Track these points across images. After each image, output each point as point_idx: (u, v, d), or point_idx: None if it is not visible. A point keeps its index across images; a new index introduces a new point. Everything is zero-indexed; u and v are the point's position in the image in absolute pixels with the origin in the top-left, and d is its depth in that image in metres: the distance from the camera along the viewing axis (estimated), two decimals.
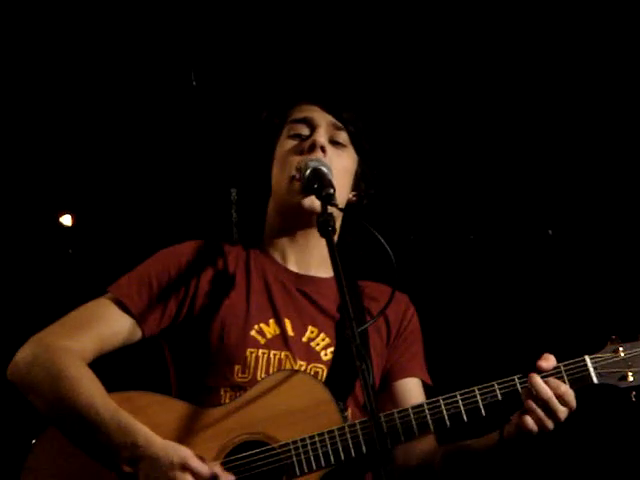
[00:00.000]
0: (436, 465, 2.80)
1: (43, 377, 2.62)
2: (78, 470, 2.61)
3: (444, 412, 2.62)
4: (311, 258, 2.93)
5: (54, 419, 2.64)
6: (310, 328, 2.84)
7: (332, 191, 2.60)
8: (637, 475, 4.41)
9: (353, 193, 3.00)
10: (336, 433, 2.60)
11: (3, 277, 5.10)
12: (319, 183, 2.65)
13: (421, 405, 2.64)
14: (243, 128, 3.24)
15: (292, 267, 2.93)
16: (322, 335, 2.83)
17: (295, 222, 2.90)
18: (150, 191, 5.14)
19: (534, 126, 4.77)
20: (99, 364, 2.73)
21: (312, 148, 2.86)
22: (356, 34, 4.58)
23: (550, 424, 2.56)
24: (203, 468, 2.50)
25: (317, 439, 2.59)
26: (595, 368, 2.61)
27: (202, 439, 2.60)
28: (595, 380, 2.61)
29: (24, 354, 2.69)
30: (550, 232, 4.88)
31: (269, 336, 2.79)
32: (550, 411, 2.55)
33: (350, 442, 2.59)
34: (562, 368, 2.61)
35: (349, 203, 2.98)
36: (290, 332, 2.81)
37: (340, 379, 2.74)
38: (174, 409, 2.65)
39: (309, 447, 2.59)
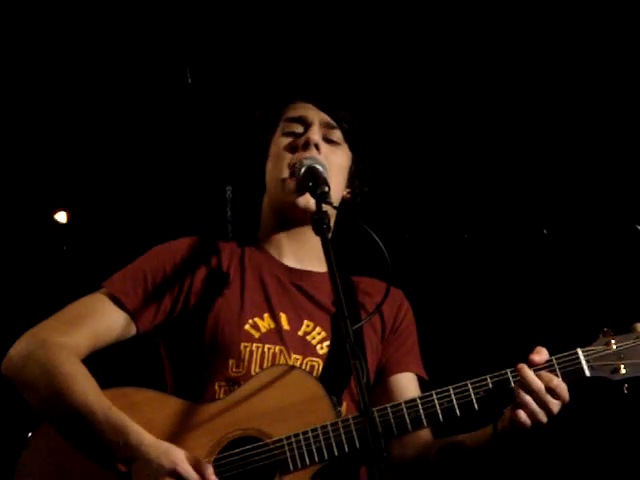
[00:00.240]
0: (431, 459, 2.81)
1: (38, 373, 2.63)
2: (73, 466, 2.61)
3: (437, 406, 2.62)
4: (307, 253, 2.93)
5: (48, 416, 2.64)
6: (306, 322, 2.84)
7: (327, 189, 2.62)
8: (631, 468, 4.42)
9: (347, 190, 3.01)
10: (329, 429, 2.60)
11: None
12: (314, 181, 2.67)
13: (414, 400, 2.65)
14: (238, 126, 3.25)
15: (288, 262, 2.94)
16: (318, 329, 2.84)
17: (290, 220, 2.92)
18: (145, 188, 5.15)
19: (529, 124, 4.77)
20: (94, 360, 2.73)
21: (306, 146, 2.87)
22: (350, 32, 4.58)
23: (543, 417, 2.56)
24: (192, 474, 2.50)
25: (310, 434, 2.59)
26: (587, 361, 2.61)
27: (196, 435, 2.60)
28: (587, 373, 2.60)
29: (19, 349, 2.69)
30: (545, 231, 4.89)
31: (263, 330, 2.79)
32: (543, 404, 2.56)
33: (343, 437, 2.59)
34: (554, 361, 2.61)
35: (343, 200, 2.99)
36: (286, 326, 2.82)
37: (336, 373, 2.75)
38: (168, 405, 2.65)
39: (302, 443, 2.59)
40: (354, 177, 3.00)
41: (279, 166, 2.89)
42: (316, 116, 2.94)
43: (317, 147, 2.87)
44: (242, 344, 2.75)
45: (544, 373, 2.58)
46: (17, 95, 4.82)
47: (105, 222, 5.23)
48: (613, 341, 2.61)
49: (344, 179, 2.97)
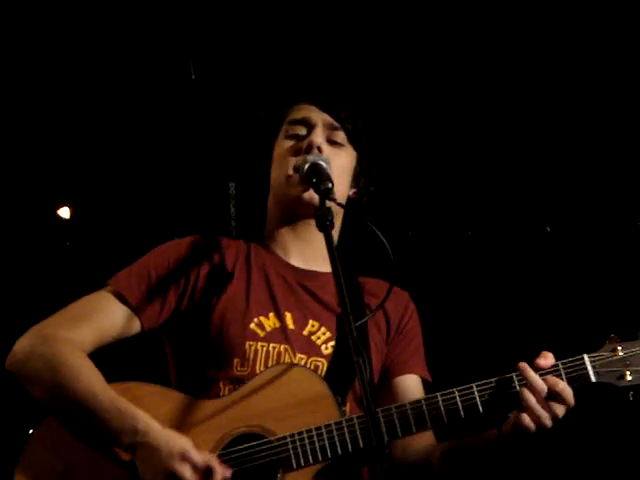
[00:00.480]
0: (434, 462, 2.81)
1: (42, 366, 2.63)
2: (76, 460, 2.61)
3: (442, 408, 2.62)
4: (313, 252, 2.93)
5: (53, 407, 2.64)
6: (311, 322, 2.84)
7: (330, 185, 2.61)
8: (635, 474, 4.42)
9: (353, 190, 3.02)
10: (333, 427, 2.60)
11: (1, 269, 5.09)
12: (317, 177, 2.66)
13: (419, 401, 2.65)
14: (241, 124, 3.25)
15: (294, 261, 2.94)
16: (323, 329, 2.84)
17: (295, 215, 2.92)
18: (148, 184, 5.14)
19: (532, 122, 4.77)
20: (99, 356, 2.73)
21: (309, 149, 2.87)
22: (353, 32, 4.58)
23: (548, 422, 2.56)
24: (202, 460, 2.50)
25: (314, 433, 2.59)
26: (594, 367, 2.61)
27: (200, 431, 2.60)
28: (593, 379, 2.61)
29: (23, 344, 2.69)
30: (548, 229, 4.89)
31: (268, 329, 2.79)
32: (548, 408, 2.56)
33: (347, 436, 2.59)
34: (560, 366, 2.61)
35: (349, 200, 2.99)
36: (291, 325, 2.82)
37: (340, 373, 2.75)
38: (172, 400, 2.65)
39: (306, 441, 2.59)
40: (359, 176, 3.01)
41: (283, 169, 2.89)
42: (319, 118, 2.94)
43: (320, 150, 2.86)
44: (247, 343, 2.75)
45: (550, 377, 2.58)
46: (20, 91, 4.81)
47: (108, 218, 5.22)
48: (619, 348, 2.62)
49: (348, 180, 2.97)
